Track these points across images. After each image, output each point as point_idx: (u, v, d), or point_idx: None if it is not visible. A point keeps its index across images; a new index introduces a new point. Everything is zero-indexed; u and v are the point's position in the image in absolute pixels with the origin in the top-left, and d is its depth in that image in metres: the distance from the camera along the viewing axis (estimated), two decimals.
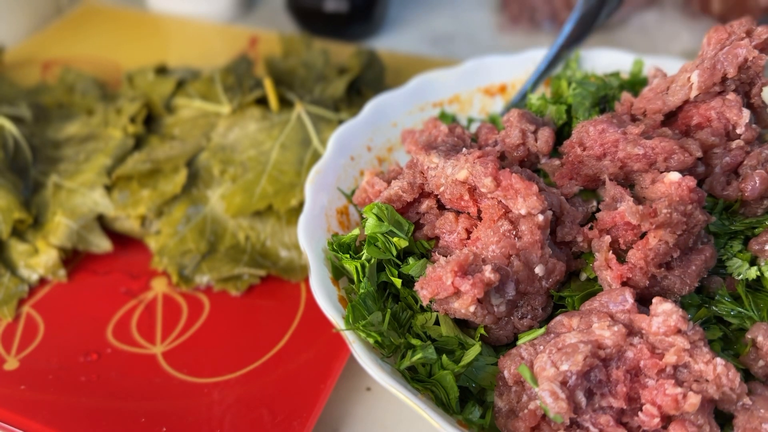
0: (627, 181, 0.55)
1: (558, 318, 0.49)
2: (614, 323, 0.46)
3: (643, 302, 0.50)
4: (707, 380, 0.44)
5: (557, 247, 0.54)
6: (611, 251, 0.51)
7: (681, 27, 1.09)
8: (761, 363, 0.49)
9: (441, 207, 0.57)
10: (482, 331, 0.52)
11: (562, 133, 0.65)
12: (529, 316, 0.52)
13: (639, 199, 0.52)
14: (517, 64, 0.77)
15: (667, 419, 0.44)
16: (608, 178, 0.54)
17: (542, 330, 0.49)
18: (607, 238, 0.51)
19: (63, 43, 1.10)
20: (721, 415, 0.47)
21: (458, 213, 0.55)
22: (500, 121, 0.72)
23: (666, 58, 0.73)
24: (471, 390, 0.52)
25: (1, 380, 0.60)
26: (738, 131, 0.55)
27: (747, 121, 0.55)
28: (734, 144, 0.55)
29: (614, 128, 0.54)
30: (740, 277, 0.53)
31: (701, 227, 0.50)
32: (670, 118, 0.59)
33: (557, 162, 0.59)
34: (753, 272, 0.53)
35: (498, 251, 0.50)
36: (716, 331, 0.52)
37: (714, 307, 0.53)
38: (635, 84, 0.70)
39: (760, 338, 0.48)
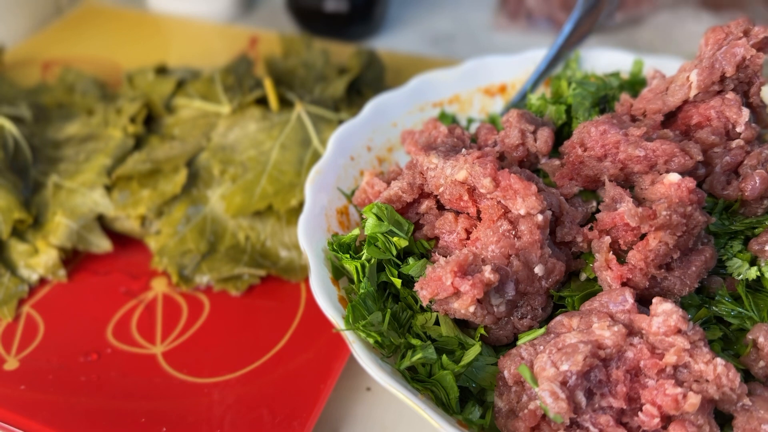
0: (627, 182, 0.55)
1: (558, 318, 0.49)
2: (614, 323, 0.46)
3: (643, 303, 0.50)
4: (707, 380, 0.44)
5: (557, 247, 0.54)
6: (611, 252, 0.51)
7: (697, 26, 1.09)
8: (761, 364, 0.49)
9: (440, 207, 0.57)
10: (482, 331, 0.52)
11: (561, 133, 0.65)
12: (528, 316, 0.52)
13: (639, 200, 0.52)
14: (517, 64, 0.77)
15: (667, 419, 0.44)
16: (608, 179, 0.54)
17: (542, 330, 0.49)
18: (607, 239, 0.51)
19: (63, 43, 1.10)
20: (721, 415, 0.47)
21: (458, 213, 0.55)
22: (500, 122, 0.72)
23: (666, 58, 0.73)
24: (471, 390, 0.52)
25: (1, 380, 0.60)
26: (738, 130, 0.55)
27: (747, 119, 0.55)
28: (734, 143, 0.55)
29: (616, 129, 0.54)
30: (740, 277, 0.53)
31: (701, 228, 0.50)
32: (670, 118, 0.59)
33: (557, 162, 0.59)
34: (753, 272, 0.53)
35: (497, 251, 0.50)
36: (716, 331, 0.52)
37: (714, 308, 0.53)
38: (635, 84, 0.70)
39: (761, 339, 0.48)
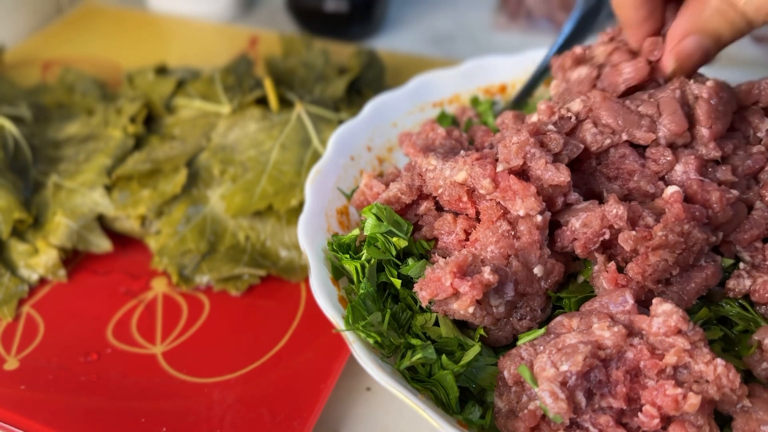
0: (627, 199, 0.54)
1: (558, 318, 0.49)
2: (614, 324, 0.46)
3: (643, 305, 0.50)
4: (707, 381, 0.44)
5: None
6: (611, 262, 0.51)
7: None
8: (765, 365, 0.49)
9: (439, 209, 0.57)
10: (482, 332, 0.52)
11: None
12: (528, 317, 0.52)
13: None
14: (517, 64, 0.77)
15: (666, 420, 0.44)
16: (610, 196, 0.53)
17: (542, 330, 0.49)
18: (605, 255, 0.51)
19: (63, 43, 1.10)
20: (720, 417, 0.47)
21: (456, 214, 0.55)
22: (491, 122, 0.72)
23: None
24: (471, 390, 0.52)
25: (1, 380, 0.60)
26: (759, 135, 0.55)
27: None
28: (755, 149, 0.55)
29: (635, 157, 0.54)
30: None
31: (701, 246, 0.50)
32: None
33: None
34: None
35: (497, 251, 0.50)
36: (717, 331, 0.52)
37: (721, 306, 0.53)
38: None
39: (767, 341, 0.48)
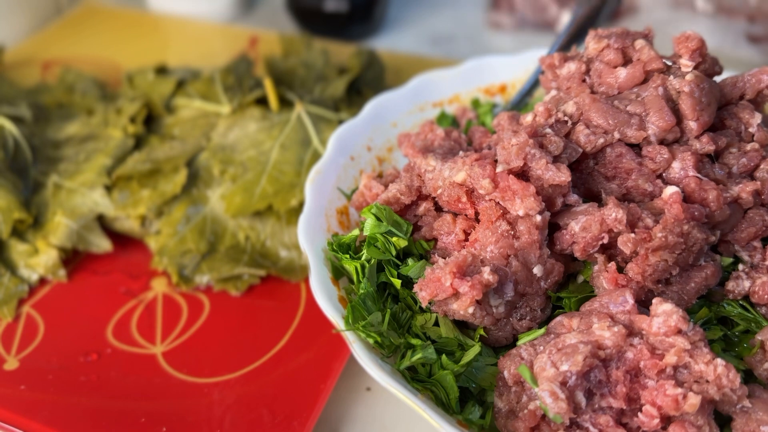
0: (626, 199, 0.55)
1: (558, 318, 0.49)
2: (614, 324, 0.46)
3: (643, 305, 0.50)
4: (707, 381, 0.44)
5: None
6: (611, 262, 0.51)
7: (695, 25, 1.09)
8: (767, 365, 0.49)
9: (438, 209, 0.57)
10: (482, 332, 0.52)
11: None
12: (527, 318, 0.52)
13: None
14: (517, 64, 0.77)
15: (667, 420, 0.44)
16: (609, 197, 0.53)
17: (542, 330, 0.49)
18: (606, 254, 0.51)
19: (63, 43, 1.10)
20: (719, 417, 0.47)
21: (456, 215, 0.55)
22: (489, 123, 0.72)
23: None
24: (471, 390, 0.52)
25: (1, 380, 0.60)
26: (750, 130, 0.55)
27: (759, 121, 0.55)
28: (749, 146, 0.55)
29: (632, 156, 0.54)
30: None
31: (701, 245, 0.50)
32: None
33: None
34: None
35: (496, 251, 0.50)
36: (717, 331, 0.52)
37: (721, 307, 0.53)
38: None
39: None
